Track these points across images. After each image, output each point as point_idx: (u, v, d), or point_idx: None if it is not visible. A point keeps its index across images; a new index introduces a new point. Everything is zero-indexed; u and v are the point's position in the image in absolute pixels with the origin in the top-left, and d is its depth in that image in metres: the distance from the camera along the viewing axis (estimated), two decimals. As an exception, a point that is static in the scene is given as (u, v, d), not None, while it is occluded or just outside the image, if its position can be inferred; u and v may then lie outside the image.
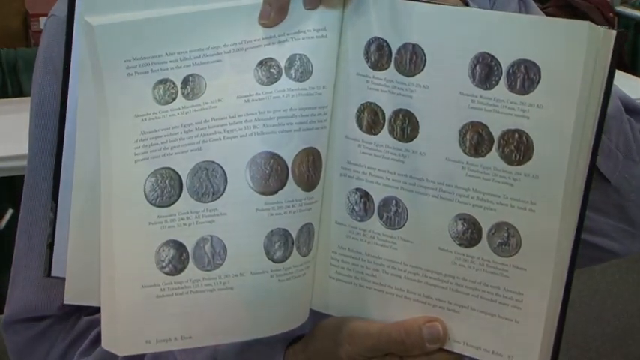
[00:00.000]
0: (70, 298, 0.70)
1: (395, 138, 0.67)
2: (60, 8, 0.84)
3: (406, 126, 0.67)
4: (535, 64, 0.62)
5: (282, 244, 0.67)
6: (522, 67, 0.62)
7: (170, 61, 0.66)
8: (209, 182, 0.66)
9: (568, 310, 0.65)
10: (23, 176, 0.86)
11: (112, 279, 0.66)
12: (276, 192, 0.66)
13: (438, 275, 0.67)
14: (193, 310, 0.67)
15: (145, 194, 0.66)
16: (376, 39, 0.67)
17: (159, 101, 0.66)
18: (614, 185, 0.82)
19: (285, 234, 0.67)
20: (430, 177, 0.66)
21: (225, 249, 0.66)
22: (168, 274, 0.66)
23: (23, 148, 0.89)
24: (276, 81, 0.66)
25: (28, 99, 0.87)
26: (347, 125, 0.69)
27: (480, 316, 0.66)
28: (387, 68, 0.67)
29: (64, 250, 0.69)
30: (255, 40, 0.67)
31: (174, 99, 0.66)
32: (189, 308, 0.66)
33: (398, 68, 0.66)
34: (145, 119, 0.66)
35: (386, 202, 0.68)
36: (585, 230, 0.65)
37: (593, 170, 0.63)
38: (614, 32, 0.61)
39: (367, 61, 0.67)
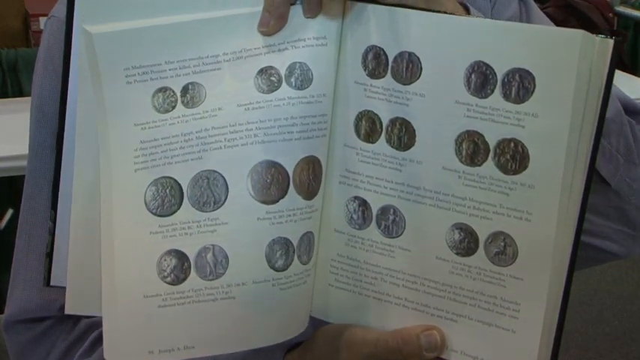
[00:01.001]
0: (71, 307, 0.69)
1: (392, 146, 0.67)
2: (60, 9, 0.84)
3: (403, 134, 0.67)
4: (529, 73, 0.62)
5: (284, 253, 0.67)
6: (517, 75, 0.62)
7: (169, 70, 0.66)
8: (210, 191, 0.66)
9: (568, 310, 0.64)
10: (23, 176, 0.86)
11: (113, 289, 0.66)
12: (277, 201, 0.66)
13: (435, 284, 0.67)
14: (196, 320, 0.66)
15: (146, 203, 0.65)
16: (373, 47, 0.67)
17: (158, 110, 0.66)
18: (615, 188, 0.82)
19: (286, 243, 0.67)
20: (427, 185, 0.66)
21: (227, 258, 0.66)
22: (170, 284, 0.66)
23: (23, 148, 0.88)
24: (277, 89, 0.66)
25: (28, 99, 0.87)
26: (345, 133, 0.69)
27: (478, 326, 0.66)
28: (383, 76, 0.67)
29: (64, 259, 0.68)
30: (255, 49, 0.66)
31: (173, 107, 0.66)
32: (192, 318, 0.66)
33: (394, 76, 0.66)
34: (145, 128, 0.66)
35: (384, 211, 0.68)
36: (586, 233, 0.65)
37: (592, 174, 0.63)
38: (611, 41, 0.61)
39: (365, 70, 0.67)
